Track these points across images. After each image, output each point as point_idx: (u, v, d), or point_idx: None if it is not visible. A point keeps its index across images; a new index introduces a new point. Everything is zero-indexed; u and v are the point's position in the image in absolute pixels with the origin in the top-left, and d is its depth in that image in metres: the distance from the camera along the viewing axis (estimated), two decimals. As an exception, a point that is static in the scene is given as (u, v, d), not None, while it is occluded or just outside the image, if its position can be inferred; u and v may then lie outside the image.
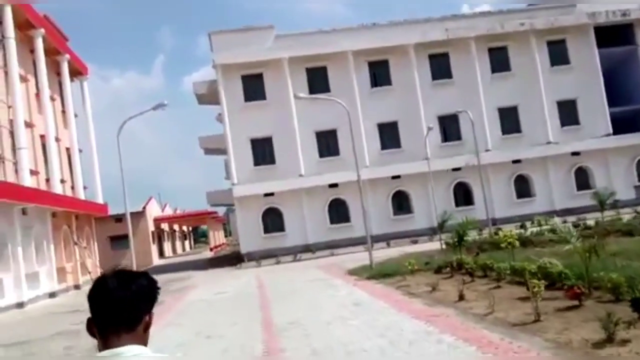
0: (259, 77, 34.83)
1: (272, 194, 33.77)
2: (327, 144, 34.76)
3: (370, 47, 34.61)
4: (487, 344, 7.63)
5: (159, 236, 55.86)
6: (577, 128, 35.85)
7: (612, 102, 35.88)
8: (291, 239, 33.55)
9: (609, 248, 14.53)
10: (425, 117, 34.28)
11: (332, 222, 34.21)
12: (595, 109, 35.78)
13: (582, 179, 35.72)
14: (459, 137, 35.45)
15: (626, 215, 28.06)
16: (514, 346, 7.37)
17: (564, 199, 35.20)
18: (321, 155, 34.62)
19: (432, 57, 35.62)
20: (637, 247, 13.83)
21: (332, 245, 32.10)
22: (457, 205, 34.22)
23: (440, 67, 35.63)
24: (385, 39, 34.74)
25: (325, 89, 34.74)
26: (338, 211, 34.47)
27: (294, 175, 33.70)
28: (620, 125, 35.84)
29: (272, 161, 34.34)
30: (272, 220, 33.94)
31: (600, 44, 35.92)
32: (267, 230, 33.72)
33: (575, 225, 22.35)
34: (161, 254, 55.54)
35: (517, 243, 12.59)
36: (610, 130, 35.56)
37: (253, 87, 34.79)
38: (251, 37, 34.46)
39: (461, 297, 11.09)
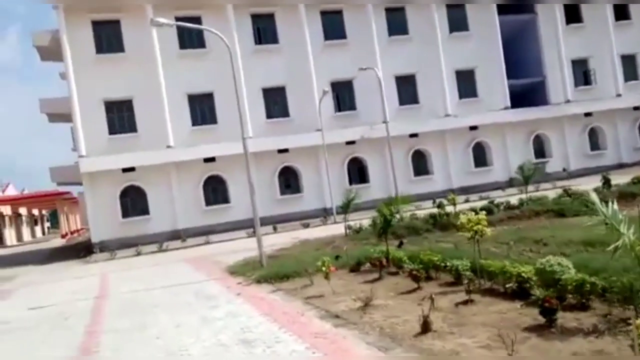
0: (116, 24, 28.09)
1: (132, 169, 27.49)
2: (202, 109, 29.06)
3: (254, -4, 29.31)
4: None
5: (-5, 221, 46.82)
6: (476, 100, 33.35)
7: (510, 73, 33.80)
8: (157, 224, 27.62)
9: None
10: (317, 83, 29.75)
11: (207, 203, 28.73)
12: (494, 81, 33.49)
13: (480, 155, 33.41)
14: (353, 107, 31.42)
15: (519, 195, 25.87)
16: None
17: (461, 177, 32.64)
18: (194, 122, 28.85)
19: (324, 14, 31.05)
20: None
21: (207, 231, 26.74)
22: (351, 182, 30.28)
23: (333, 26, 31.18)
24: (271, -11, 29.61)
25: (201, 43, 28.95)
26: (215, 190, 29.06)
27: (161, 146, 27.69)
28: (518, 99, 33.98)
29: (132, 129, 27.97)
30: (133, 202, 27.70)
31: (500, 11, 33.57)
32: (126, 213, 27.43)
33: (497, 205, 19.06)
34: None
35: (487, 232, 8.44)
36: (509, 104, 33.49)
37: (107, 36, 28.04)
38: (105, -27, 27.60)
39: (426, 327, 6.56)
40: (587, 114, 35.20)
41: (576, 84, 35.49)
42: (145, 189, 27.75)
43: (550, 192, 24.08)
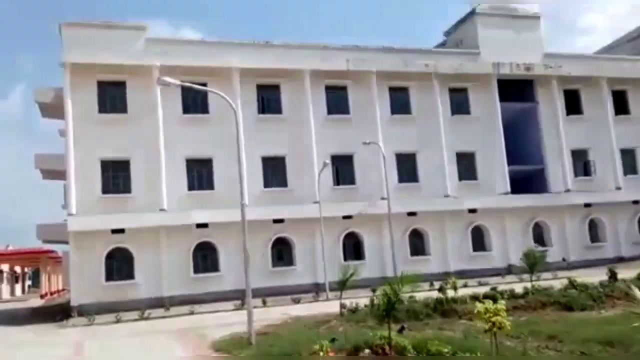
0: (121, 85, 28.13)
1: (122, 231, 26.61)
2: (200, 174, 28.60)
3: (260, 67, 29.59)
4: None
5: (-25, 276, 45.11)
6: (476, 183, 33.12)
7: (510, 159, 33.76)
8: (141, 289, 26.43)
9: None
10: (318, 155, 29.48)
11: (196, 270, 27.67)
12: (494, 165, 33.39)
13: (479, 239, 32.74)
14: (352, 182, 31.04)
15: (520, 283, 24.99)
16: None
17: (459, 260, 31.80)
18: (191, 187, 28.30)
19: (329, 89, 31.32)
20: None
21: (193, 300, 25.50)
22: (345, 259, 29.41)
23: (337, 100, 31.40)
24: (278, 61, 29.97)
25: (204, 109, 28.98)
26: (205, 258, 28.09)
27: (154, 209, 26.97)
28: (518, 185, 33.73)
29: (126, 190, 27.35)
30: (119, 265, 26.61)
31: (502, 98, 34.00)
32: (110, 276, 26.27)
33: (500, 293, 18.21)
34: (-24, 298, 44.70)
35: (507, 324, 7.61)
36: (509, 189, 33.20)
37: (112, 97, 28.02)
38: (116, 35, 27.93)
39: None
40: (587, 205, 34.89)
41: (576, 174, 35.43)
42: (132, 252, 26.74)
43: (551, 282, 23.29)
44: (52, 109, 29.65)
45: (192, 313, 22.86)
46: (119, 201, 26.91)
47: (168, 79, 14.32)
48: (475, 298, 18.87)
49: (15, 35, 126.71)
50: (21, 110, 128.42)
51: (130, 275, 26.61)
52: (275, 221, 28.82)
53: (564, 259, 33.48)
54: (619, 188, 35.28)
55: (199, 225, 27.69)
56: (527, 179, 34.99)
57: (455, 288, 19.07)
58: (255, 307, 18.37)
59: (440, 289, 17.94)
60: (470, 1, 35.36)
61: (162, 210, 27.07)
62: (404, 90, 32.71)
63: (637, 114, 36.87)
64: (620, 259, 33.49)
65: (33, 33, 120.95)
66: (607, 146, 35.66)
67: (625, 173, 35.93)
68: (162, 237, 27.18)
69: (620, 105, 36.81)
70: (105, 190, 27.00)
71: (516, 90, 35.01)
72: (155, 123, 27.58)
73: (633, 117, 36.78)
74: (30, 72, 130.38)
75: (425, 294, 19.08)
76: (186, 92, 28.44)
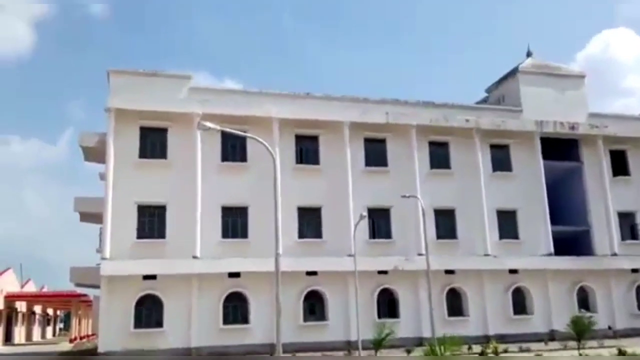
0: (163, 131, 28.55)
1: (154, 277, 26.39)
2: (235, 222, 28.39)
3: (299, 117, 29.72)
4: None
5: (8, 317, 45.30)
6: (517, 243, 31.94)
7: (554, 219, 32.58)
8: (169, 338, 25.92)
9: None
10: (354, 207, 29.02)
11: (225, 321, 27.06)
12: (537, 224, 32.23)
13: (520, 302, 31.28)
14: (388, 235, 30.33)
15: (565, 351, 23.46)
16: None
17: (498, 323, 30.32)
18: (225, 235, 28.07)
19: (367, 141, 31.15)
20: None
21: (221, 352, 24.88)
22: (379, 316, 28.44)
23: (375, 153, 31.14)
24: (317, 112, 30.11)
25: (242, 157, 29.11)
26: (236, 308, 27.51)
27: (187, 256, 26.75)
28: (561, 246, 32.39)
29: (161, 235, 27.30)
30: (148, 312, 26.23)
31: (545, 156, 33.18)
32: (138, 323, 25.88)
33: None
34: (7, 338, 44.70)
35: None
36: (552, 250, 31.88)
37: (153, 143, 28.42)
38: (161, 83, 28.61)
39: None
40: (635, 270, 33.20)
41: (623, 238, 33.91)
42: (163, 299, 26.38)
43: (598, 350, 21.87)
44: (95, 153, 30.18)
45: (219, 365, 22.13)
46: (153, 246, 26.82)
47: (208, 124, 14.29)
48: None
49: (67, 83, 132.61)
50: (67, 154, 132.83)
51: (159, 322, 26.18)
52: (308, 273, 28.19)
53: (609, 327, 31.61)
54: (668, 254, 33.51)
55: (231, 275, 27.28)
56: (572, 241, 33.61)
57: (496, 353, 17.99)
58: (285, 362, 17.61)
59: (482, 354, 16.84)
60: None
61: (195, 257, 26.81)
62: (443, 145, 32.28)
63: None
64: (670, 330, 31.43)
65: (84, 81, 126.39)
66: (656, 209, 34.17)
67: (676, 238, 34.22)
68: (193, 285, 26.81)
69: (671, 167, 35.45)
70: (140, 235, 26.99)
71: (560, 149, 34.16)
72: (193, 170, 27.73)
73: (685, 180, 35.31)
74: (79, 119, 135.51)
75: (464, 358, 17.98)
76: (226, 140, 28.74)
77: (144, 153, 28.04)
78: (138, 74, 28.79)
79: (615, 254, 33.00)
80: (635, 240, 34.04)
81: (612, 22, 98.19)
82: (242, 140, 28.83)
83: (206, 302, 26.80)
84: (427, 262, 23.99)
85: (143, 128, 28.23)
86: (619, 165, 34.90)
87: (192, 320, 26.38)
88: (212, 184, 27.92)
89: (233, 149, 29.07)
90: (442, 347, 9.45)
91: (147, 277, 26.29)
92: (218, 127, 14.41)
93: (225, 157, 28.97)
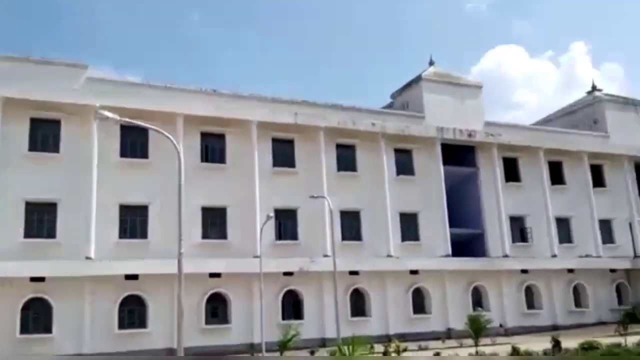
0: (56, 123, 26.65)
1: (42, 279, 24.45)
2: (134, 221, 27.06)
3: (205, 114, 28.87)
4: None
5: None
6: (418, 244, 32.97)
7: (452, 222, 33.97)
8: (59, 344, 24.14)
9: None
10: (261, 208, 28.59)
11: (121, 326, 25.63)
12: (436, 227, 33.44)
13: (419, 301, 32.26)
14: (295, 237, 30.21)
15: (462, 349, 24.45)
16: None
17: (399, 322, 31.06)
18: (122, 235, 26.66)
19: (275, 141, 30.86)
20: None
21: (116, 359, 23.44)
22: (284, 317, 28.19)
23: (283, 153, 30.93)
24: (224, 110, 29.41)
25: (143, 153, 27.81)
26: (132, 312, 26.16)
27: (79, 257, 25.07)
28: (459, 248, 33.84)
29: (51, 234, 25.43)
30: (36, 316, 24.28)
31: (445, 161, 34.53)
32: (25, 329, 23.87)
33: None
34: None
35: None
36: (450, 252, 33.20)
37: (45, 135, 26.50)
38: (54, 72, 26.68)
39: None
40: (524, 271, 35.30)
41: (513, 240, 35.98)
42: (52, 303, 24.52)
43: (493, 348, 22.89)
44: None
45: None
46: (41, 246, 24.97)
47: (107, 113, 13.33)
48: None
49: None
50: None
51: (47, 328, 24.29)
52: (212, 275, 27.39)
53: (501, 325, 33.37)
54: (554, 256, 35.97)
55: (129, 277, 25.89)
56: (468, 243, 35.23)
57: (398, 352, 18.31)
58: (185, 368, 16.84)
59: (385, 353, 17.05)
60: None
61: (88, 258, 25.19)
62: (350, 147, 32.69)
63: (572, 185, 38.24)
64: (555, 327, 33.66)
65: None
66: (543, 214, 36.54)
67: (561, 241, 36.80)
68: (86, 287, 25.16)
69: (556, 175, 38.15)
70: (27, 234, 25.09)
71: (459, 155, 35.71)
72: (89, 165, 26.13)
73: (568, 187, 38.11)
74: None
75: (367, 358, 18.07)
76: (125, 135, 27.44)
77: (34, 146, 26.05)
78: (28, 61, 26.69)
79: (506, 256, 34.91)
80: (524, 242, 36.23)
81: (505, 38, 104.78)
82: (143, 136, 27.62)
83: (100, 306, 25.24)
84: (334, 264, 24.08)
85: (34, 119, 26.22)
86: (511, 171, 37.03)
87: (85, 325, 24.76)
88: (110, 180, 26.42)
89: (133, 145, 27.74)
90: (351, 348, 9.34)
91: (34, 279, 24.32)
92: (118, 117, 13.47)
93: (124, 153, 27.54)
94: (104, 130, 26.22)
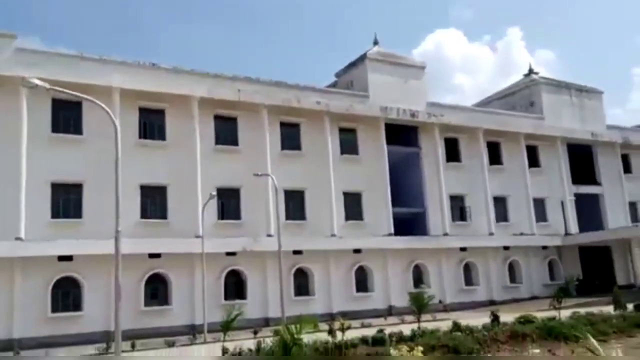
0: None
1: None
2: (67, 200, 25.78)
3: (144, 89, 27.70)
4: None
5: None
6: (361, 224, 33.14)
7: (395, 201, 34.31)
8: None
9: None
10: (202, 187, 27.84)
11: (54, 309, 24.51)
12: (379, 206, 33.69)
13: (362, 280, 32.53)
14: (237, 217, 29.66)
15: (404, 325, 24.86)
16: None
17: (342, 301, 31.22)
18: (55, 214, 25.38)
19: (218, 118, 30.05)
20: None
21: (49, 343, 22.35)
22: (226, 297, 27.75)
23: (226, 131, 30.18)
24: (164, 84, 28.31)
25: (77, 129, 26.45)
26: (67, 295, 25.05)
27: (9, 237, 23.65)
28: (401, 227, 34.25)
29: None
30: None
31: (389, 141, 34.69)
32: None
33: (389, 336, 17.69)
34: None
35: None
36: (392, 230, 33.56)
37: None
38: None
39: None
40: (463, 249, 36.21)
41: (453, 219, 36.78)
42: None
43: (434, 323, 23.30)
44: None
45: (46, 354, 19.84)
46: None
47: (36, 81, 12.38)
48: (364, 341, 18.27)
49: None
50: None
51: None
52: (152, 255, 26.55)
53: (440, 301, 34.14)
54: (491, 234, 37.04)
55: (62, 258, 24.71)
56: (410, 222, 35.73)
57: (343, 330, 18.25)
58: (123, 350, 16.21)
59: (330, 332, 16.94)
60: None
61: (18, 239, 23.82)
62: (295, 126, 32.30)
63: (509, 166, 39.35)
64: (492, 302, 34.82)
65: None
66: (481, 193, 37.48)
67: (498, 220, 37.91)
68: (16, 269, 23.85)
69: (495, 155, 39.15)
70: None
71: (402, 135, 35.98)
72: (17, 141, 24.60)
73: (505, 167, 39.20)
74: None
75: (311, 336, 17.98)
76: (57, 109, 25.99)
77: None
78: (-51, 27, 24.69)
79: (446, 234, 35.65)
80: (464, 221, 37.12)
81: (444, 22, 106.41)
82: (76, 111, 26.27)
83: (32, 289, 24.01)
84: (278, 243, 23.80)
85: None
86: (452, 152, 37.71)
87: (15, 309, 23.49)
88: (41, 157, 25.00)
89: (66, 119, 26.34)
90: (299, 327, 9.17)
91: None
92: (47, 86, 12.54)
93: (56, 129, 26.09)
94: (34, 104, 24.70)
